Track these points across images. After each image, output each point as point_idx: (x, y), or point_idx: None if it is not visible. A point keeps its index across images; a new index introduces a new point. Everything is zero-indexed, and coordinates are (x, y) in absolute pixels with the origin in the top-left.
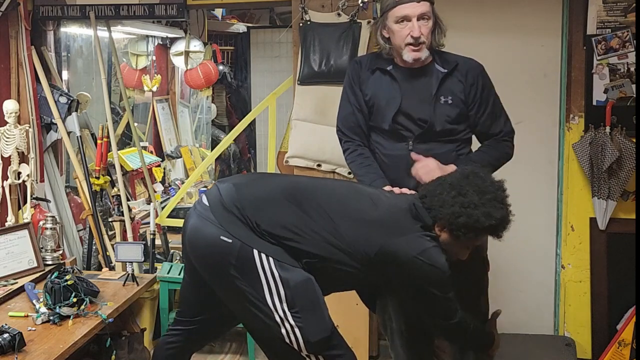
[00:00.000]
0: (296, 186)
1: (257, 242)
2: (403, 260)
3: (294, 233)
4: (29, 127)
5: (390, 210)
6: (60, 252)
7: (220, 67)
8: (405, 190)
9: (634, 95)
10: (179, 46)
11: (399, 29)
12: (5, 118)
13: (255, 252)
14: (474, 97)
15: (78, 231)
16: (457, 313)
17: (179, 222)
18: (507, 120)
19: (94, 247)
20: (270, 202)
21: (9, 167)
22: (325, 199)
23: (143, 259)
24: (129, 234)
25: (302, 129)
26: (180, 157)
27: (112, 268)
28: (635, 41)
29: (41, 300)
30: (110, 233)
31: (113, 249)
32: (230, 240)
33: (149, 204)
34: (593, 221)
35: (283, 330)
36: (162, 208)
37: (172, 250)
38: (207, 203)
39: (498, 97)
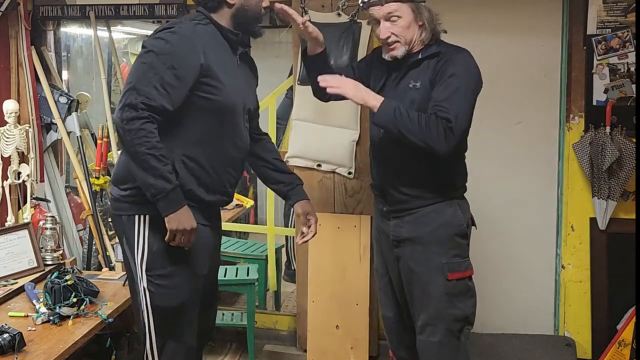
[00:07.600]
0: None
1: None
2: None
3: None
4: (29, 127)
5: None
6: (60, 252)
7: None
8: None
9: (634, 95)
10: None
11: (376, 29)
12: (5, 118)
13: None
14: (439, 79)
15: (78, 231)
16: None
17: None
18: (454, 104)
19: (94, 247)
20: None
21: (9, 167)
22: None
23: None
24: None
25: (302, 129)
26: None
27: (112, 268)
28: (635, 41)
29: (41, 300)
30: (110, 233)
31: (113, 249)
32: None
33: None
34: (593, 221)
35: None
36: None
37: None
38: None
39: (468, 90)
